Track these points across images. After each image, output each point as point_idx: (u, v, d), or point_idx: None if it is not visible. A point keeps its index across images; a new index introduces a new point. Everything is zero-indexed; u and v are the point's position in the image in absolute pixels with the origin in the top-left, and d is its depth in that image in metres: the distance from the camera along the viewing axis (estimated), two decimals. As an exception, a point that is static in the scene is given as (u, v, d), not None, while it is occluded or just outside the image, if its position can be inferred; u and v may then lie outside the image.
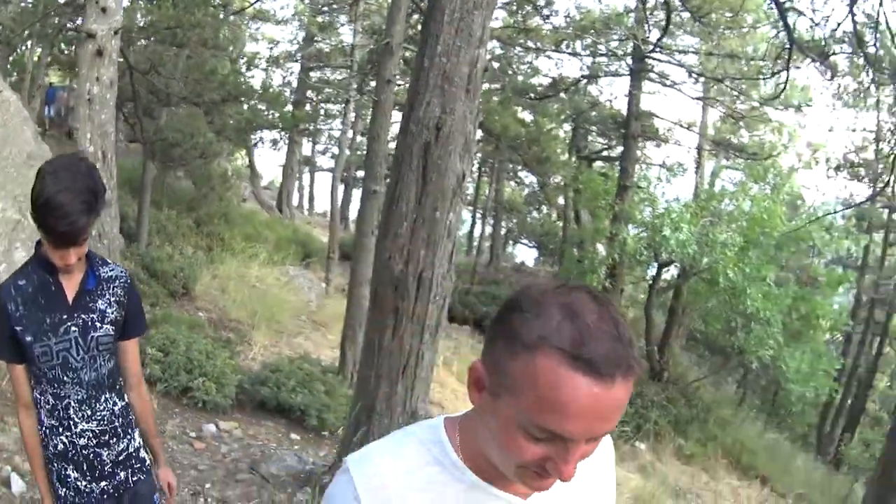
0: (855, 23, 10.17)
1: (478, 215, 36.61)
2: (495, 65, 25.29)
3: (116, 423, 3.21)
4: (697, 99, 23.36)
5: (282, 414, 8.22)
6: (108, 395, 3.16)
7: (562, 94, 25.36)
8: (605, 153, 26.20)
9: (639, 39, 19.54)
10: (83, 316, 3.02)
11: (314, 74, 28.51)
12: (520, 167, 31.05)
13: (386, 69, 10.61)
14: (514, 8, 22.92)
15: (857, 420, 27.62)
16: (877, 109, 27.88)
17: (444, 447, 1.42)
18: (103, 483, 3.20)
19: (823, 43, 12.26)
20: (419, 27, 13.81)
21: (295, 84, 27.46)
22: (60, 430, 3.08)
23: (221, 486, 6.12)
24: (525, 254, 41.83)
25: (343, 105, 24.85)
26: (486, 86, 25.33)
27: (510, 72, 25.69)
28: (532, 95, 24.65)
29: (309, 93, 28.93)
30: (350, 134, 24.71)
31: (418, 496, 1.38)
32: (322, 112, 32.11)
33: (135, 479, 3.31)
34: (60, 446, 3.10)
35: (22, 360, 3.01)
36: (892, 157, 16.89)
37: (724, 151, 26.17)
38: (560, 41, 22.91)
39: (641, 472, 13.31)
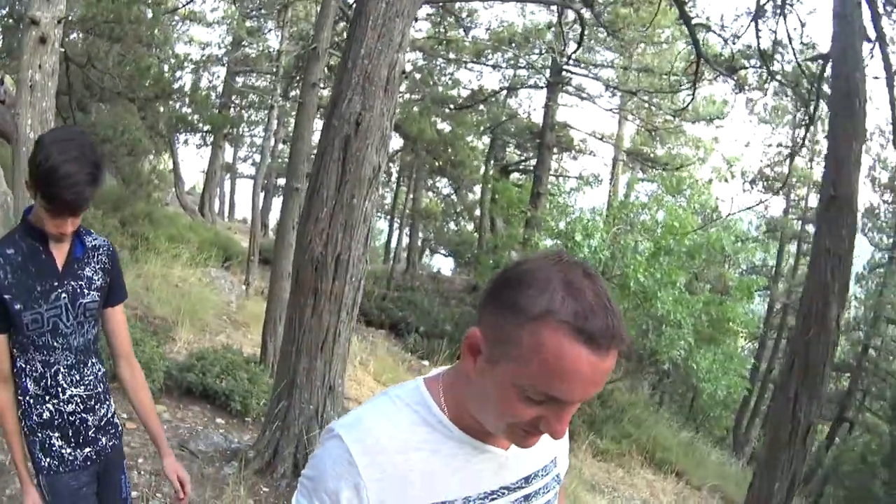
0: (759, 38, 10.87)
1: (395, 224, 36.93)
2: (417, 75, 25.76)
3: (100, 389, 3.26)
4: (610, 111, 24.07)
5: (207, 399, 8.39)
6: (93, 360, 3.23)
7: (481, 106, 25.86)
8: (522, 164, 26.74)
9: (556, 53, 19.98)
10: (72, 283, 3.08)
11: (240, 79, 28.53)
12: (437, 178, 31.52)
13: (312, 73, 10.92)
14: (438, 20, 23.37)
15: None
16: (793, 125, 29.26)
17: (430, 407, 1.51)
18: (87, 449, 3.22)
19: (732, 58, 13.00)
20: (345, 34, 14.20)
21: (221, 88, 27.50)
22: (47, 398, 3.11)
23: (153, 461, 6.32)
24: (442, 263, 42.21)
25: (267, 112, 24.92)
26: (407, 95, 25.87)
27: (431, 82, 26.15)
28: (451, 106, 25.14)
29: (234, 98, 28.94)
30: (272, 141, 24.84)
31: (414, 455, 1.46)
32: (245, 118, 32.16)
33: (111, 444, 3.34)
34: (46, 414, 3.12)
35: (6, 329, 3.02)
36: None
37: (639, 163, 26.92)
38: (481, 53, 23.42)
39: (557, 468, 13.75)
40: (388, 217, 36.73)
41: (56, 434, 3.11)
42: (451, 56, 24.14)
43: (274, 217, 30.06)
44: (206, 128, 22.86)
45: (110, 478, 3.38)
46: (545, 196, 21.26)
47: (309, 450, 6.57)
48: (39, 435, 3.10)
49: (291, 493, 6.27)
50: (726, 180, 29.76)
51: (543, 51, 21.88)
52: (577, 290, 1.30)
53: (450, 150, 24.74)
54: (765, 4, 10.45)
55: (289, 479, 6.58)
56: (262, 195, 22.50)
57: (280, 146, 30.71)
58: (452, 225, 38.29)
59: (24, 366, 3.05)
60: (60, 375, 3.08)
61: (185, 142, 29.89)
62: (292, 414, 6.49)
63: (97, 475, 3.28)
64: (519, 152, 27.94)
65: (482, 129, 27.42)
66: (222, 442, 7.18)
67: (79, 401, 3.14)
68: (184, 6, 20.88)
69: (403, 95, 27.06)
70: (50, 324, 3.01)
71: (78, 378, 3.13)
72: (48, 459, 3.11)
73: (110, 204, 17.12)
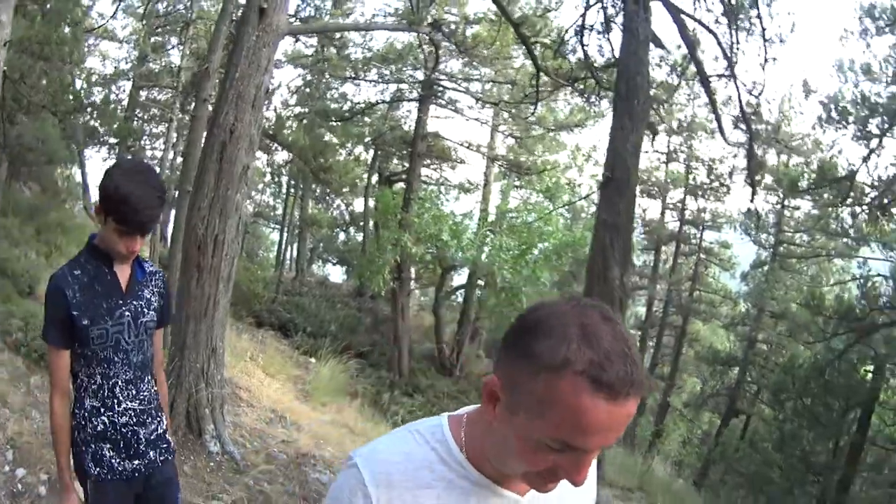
0: (585, 51, 12.22)
1: (286, 234, 37.65)
2: (306, 90, 26.99)
3: (153, 405, 3.49)
4: (477, 120, 25.38)
5: None
6: (148, 378, 3.48)
7: (366, 118, 26.94)
8: (403, 174, 27.87)
9: (426, 68, 21.60)
10: (135, 302, 3.34)
11: (143, 93, 29.05)
12: (327, 189, 32.47)
13: (204, 90, 12.05)
14: (317, 42, 24.66)
15: (664, 414, 29.92)
16: (668, 132, 30.63)
17: (449, 446, 1.50)
18: (136, 462, 3.40)
19: (571, 70, 14.56)
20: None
21: (126, 102, 27.91)
22: (103, 410, 3.31)
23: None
24: (332, 270, 43.01)
25: (167, 125, 25.42)
26: (297, 108, 27.04)
27: (317, 96, 27.37)
28: (335, 119, 26.33)
29: (137, 111, 29.28)
30: (171, 154, 25.63)
31: (425, 492, 1.46)
32: (148, 131, 32.64)
33: (162, 458, 3.54)
34: (100, 427, 3.30)
35: (71, 345, 3.24)
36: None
37: (512, 170, 28.26)
38: (358, 69, 24.64)
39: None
40: (280, 227, 37.57)
41: (108, 445, 3.32)
42: (329, 74, 25.56)
43: (169, 228, 30.61)
44: (113, 140, 23.49)
45: (170, 496, 3.64)
46: (415, 201, 22.45)
47: (198, 403, 7.78)
48: (92, 446, 3.30)
49: (186, 443, 7.59)
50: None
51: (416, 67, 23.29)
52: (594, 336, 1.28)
53: (329, 159, 25.94)
54: (591, 24, 11.91)
55: (183, 430, 7.68)
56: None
57: (178, 159, 31.26)
58: (343, 235, 39.23)
59: (84, 379, 3.29)
60: (118, 389, 3.32)
61: (90, 157, 30.33)
62: (184, 371, 7.74)
63: (143, 488, 3.50)
64: (401, 163, 28.91)
65: (365, 140, 28.48)
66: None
67: (132, 414, 3.37)
68: (100, 27, 21.55)
69: (293, 108, 28.26)
70: (113, 339, 3.26)
71: (134, 393, 3.37)
72: (98, 469, 3.31)
73: (27, 213, 17.61)
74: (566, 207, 25.69)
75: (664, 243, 34.16)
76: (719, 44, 10.55)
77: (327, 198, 36.07)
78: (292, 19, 19.69)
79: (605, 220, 8.44)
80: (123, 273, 3.33)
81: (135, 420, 3.36)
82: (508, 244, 21.40)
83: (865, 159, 13.70)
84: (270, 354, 16.22)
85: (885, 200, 14.76)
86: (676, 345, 31.94)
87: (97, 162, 32.53)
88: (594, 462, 1.55)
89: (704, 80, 11.03)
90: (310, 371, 16.14)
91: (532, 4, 17.62)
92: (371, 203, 29.91)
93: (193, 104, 16.51)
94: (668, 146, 31.88)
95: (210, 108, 12.32)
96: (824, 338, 18.05)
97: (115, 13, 19.70)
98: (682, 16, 9.96)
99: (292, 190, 34.67)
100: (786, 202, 29.18)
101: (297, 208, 34.79)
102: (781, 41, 11.06)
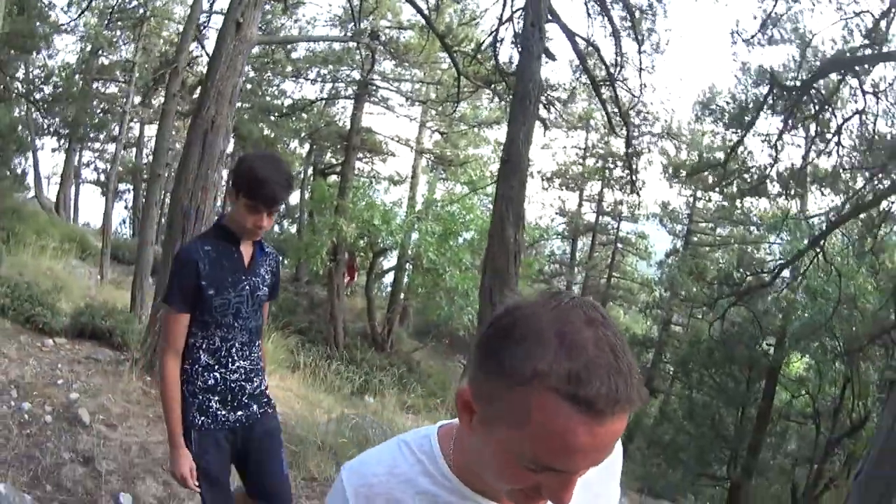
0: (497, 59, 13.93)
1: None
2: (248, 86, 28.53)
3: (260, 365, 3.85)
4: (407, 117, 27.32)
5: (95, 336, 10.08)
6: (258, 342, 3.84)
7: (303, 115, 28.79)
8: (337, 168, 29.04)
9: (362, 69, 23.35)
10: (254, 278, 3.68)
11: (95, 85, 29.72)
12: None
13: (173, 85, 13.44)
14: (266, 47, 26.19)
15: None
16: (586, 129, 33.04)
17: (435, 458, 1.42)
18: (239, 412, 3.72)
19: (488, 74, 16.50)
20: (195, 53, 17.04)
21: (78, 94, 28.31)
22: (216, 367, 3.63)
23: (70, 366, 8.41)
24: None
25: (119, 118, 26.40)
26: (239, 104, 28.55)
27: (260, 92, 28.92)
28: (276, 114, 28.06)
29: (89, 104, 29.98)
30: (122, 146, 26.53)
31: None
32: (98, 122, 33.25)
33: (261, 411, 3.85)
34: (211, 381, 3.62)
35: (192, 310, 3.54)
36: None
37: (438, 163, 30.22)
38: (300, 69, 26.48)
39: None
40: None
41: (216, 398, 3.63)
42: (273, 73, 27.40)
43: (117, 219, 31.84)
44: (66, 131, 24.44)
45: (273, 447, 3.90)
46: (350, 190, 24.16)
47: None
48: (199, 397, 3.60)
49: None
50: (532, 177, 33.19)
51: (352, 68, 25.12)
52: (574, 343, 1.11)
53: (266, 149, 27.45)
54: (502, 37, 13.77)
55: None
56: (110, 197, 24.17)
57: (122, 151, 32.06)
58: (276, 228, 40.48)
59: (201, 341, 3.59)
60: (234, 350, 3.66)
61: (42, 146, 31.21)
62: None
63: (245, 444, 3.79)
64: (335, 157, 30.75)
65: (301, 134, 30.20)
66: (113, 355, 9.44)
67: (242, 372, 3.71)
68: (73, 20, 22.59)
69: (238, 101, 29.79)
70: (234, 308, 3.60)
71: (247, 353, 3.72)
72: (203, 418, 3.62)
73: (-19, 201, 18.22)
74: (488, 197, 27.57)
75: (581, 233, 36.12)
76: (601, 57, 12.90)
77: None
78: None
79: (502, 194, 10.15)
80: (247, 252, 3.68)
81: (244, 377, 3.72)
82: (434, 228, 23.08)
83: (734, 149, 15.78)
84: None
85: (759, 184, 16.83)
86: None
87: (47, 152, 33.28)
88: (619, 456, 1.56)
89: (594, 86, 13.31)
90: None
91: (456, 17, 19.57)
92: (307, 195, 31.57)
93: (164, 98, 17.72)
94: (587, 142, 34.05)
95: (176, 101, 13.91)
96: (710, 302, 19.33)
97: (82, 12, 20.67)
98: (576, 36, 11.98)
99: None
100: (698, 194, 31.26)
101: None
102: (660, 52, 13.43)
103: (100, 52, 26.93)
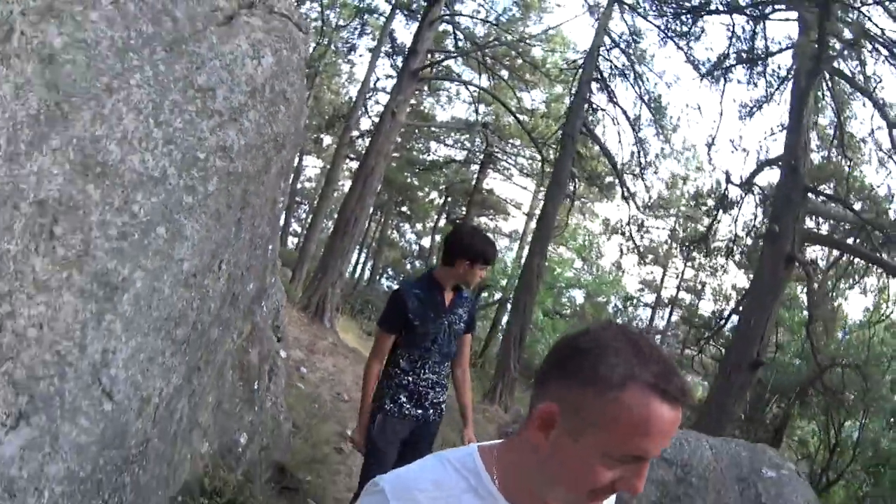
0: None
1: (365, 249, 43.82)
2: (399, 140, 35.26)
3: (445, 381, 4.87)
4: (519, 185, 33.40)
5: None
6: (448, 363, 4.88)
7: (441, 171, 34.79)
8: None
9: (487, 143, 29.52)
10: (451, 316, 4.75)
11: None
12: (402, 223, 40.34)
13: (345, 137, 20.39)
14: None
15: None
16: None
17: (481, 476, 1.48)
18: (419, 411, 4.73)
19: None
20: (362, 113, 24.12)
21: None
22: (412, 373, 4.70)
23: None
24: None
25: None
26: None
27: (408, 146, 35.45)
28: (419, 167, 34.71)
29: None
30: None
31: None
32: None
33: (434, 418, 4.85)
34: (405, 381, 4.69)
35: (399, 332, 4.67)
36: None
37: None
38: (440, 135, 32.98)
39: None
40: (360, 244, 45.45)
41: (405, 394, 4.70)
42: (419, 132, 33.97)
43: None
44: None
45: (429, 445, 4.86)
46: None
47: (325, 299, 15.70)
48: (392, 390, 4.69)
49: (313, 322, 16.32)
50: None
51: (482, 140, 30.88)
52: (648, 355, 1.34)
53: (408, 194, 34.31)
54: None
55: (313, 312, 15.69)
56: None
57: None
58: (409, 265, 46.59)
59: (406, 353, 4.71)
60: (427, 365, 4.73)
61: None
62: (325, 281, 15.90)
63: (412, 435, 4.77)
64: (462, 210, 36.37)
65: (440, 187, 36.42)
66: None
67: (429, 382, 4.75)
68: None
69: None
70: (433, 336, 4.69)
71: (437, 370, 4.78)
72: (391, 405, 4.68)
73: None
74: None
75: (664, 306, 40.73)
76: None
77: (401, 226, 43.99)
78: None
79: (534, 238, 16.42)
80: (449, 296, 4.74)
81: (429, 385, 4.73)
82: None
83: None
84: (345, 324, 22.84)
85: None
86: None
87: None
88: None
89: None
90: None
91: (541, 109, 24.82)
92: (437, 238, 36.88)
93: (335, 142, 23.98)
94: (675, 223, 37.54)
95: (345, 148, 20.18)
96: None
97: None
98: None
99: (377, 215, 41.91)
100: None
101: (378, 231, 42.07)
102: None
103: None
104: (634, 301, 39.97)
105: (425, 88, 27.01)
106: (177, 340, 2.98)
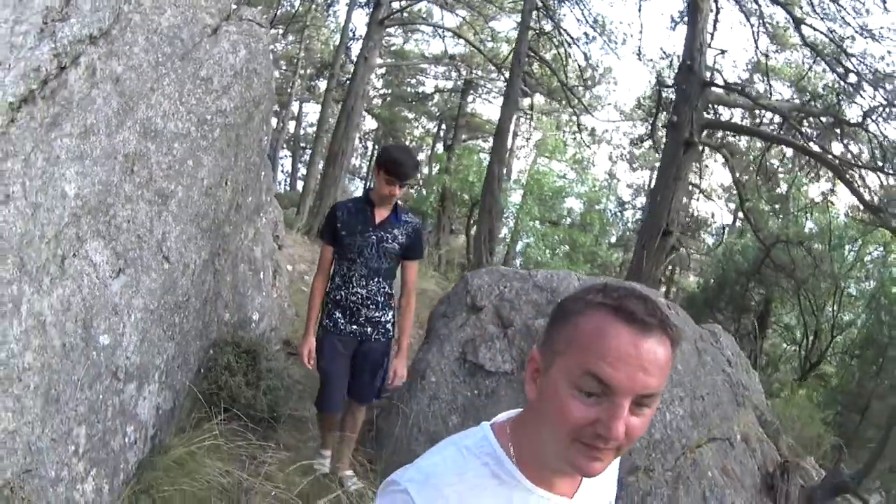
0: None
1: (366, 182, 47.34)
2: (390, 78, 37.23)
3: (378, 298, 5.01)
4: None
5: None
6: (379, 280, 4.99)
7: (432, 99, 37.18)
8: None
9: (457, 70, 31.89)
10: (381, 233, 4.91)
11: None
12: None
13: (331, 83, 22.66)
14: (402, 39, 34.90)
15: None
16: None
17: (500, 458, 1.46)
18: (354, 327, 4.98)
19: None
20: (346, 62, 26.19)
21: None
22: (343, 288, 4.95)
23: None
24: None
25: (286, 98, 35.52)
26: (383, 90, 37.56)
27: (396, 83, 37.66)
28: (410, 100, 36.88)
29: None
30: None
31: None
32: None
33: (375, 336, 5.02)
34: (338, 297, 4.96)
35: (333, 244, 4.97)
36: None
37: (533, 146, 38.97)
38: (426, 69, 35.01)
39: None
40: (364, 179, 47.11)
41: (339, 309, 4.98)
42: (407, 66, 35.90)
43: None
44: None
45: (374, 367, 5.17)
46: (454, 153, 32.18)
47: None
48: (330, 306, 4.99)
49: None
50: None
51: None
52: (617, 288, 1.38)
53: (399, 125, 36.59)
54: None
55: None
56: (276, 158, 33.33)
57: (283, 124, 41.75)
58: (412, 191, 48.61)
59: (337, 266, 5.03)
60: (355, 278, 4.95)
61: None
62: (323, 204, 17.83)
63: (356, 352, 5.08)
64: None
65: (434, 115, 38.66)
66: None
67: (359, 297, 4.97)
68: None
69: (379, 90, 38.88)
70: (358, 248, 4.90)
71: (364, 283, 4.96)
72: (328, 321, 5.00)
73: None
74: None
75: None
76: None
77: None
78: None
79: (493, 158, 18.40)
80: (381, 215, 4.93)
81: (360, 301, 4.96)
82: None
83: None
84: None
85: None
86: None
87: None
88: (615, 462, 1.63)
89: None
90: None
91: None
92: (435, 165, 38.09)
93: (326, 83, 25.81)
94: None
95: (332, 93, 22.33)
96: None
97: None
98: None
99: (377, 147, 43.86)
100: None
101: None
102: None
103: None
104: (625, 205, 41.81)
105: (399, 30, 29.28)
106: (203, 229, 4.99)
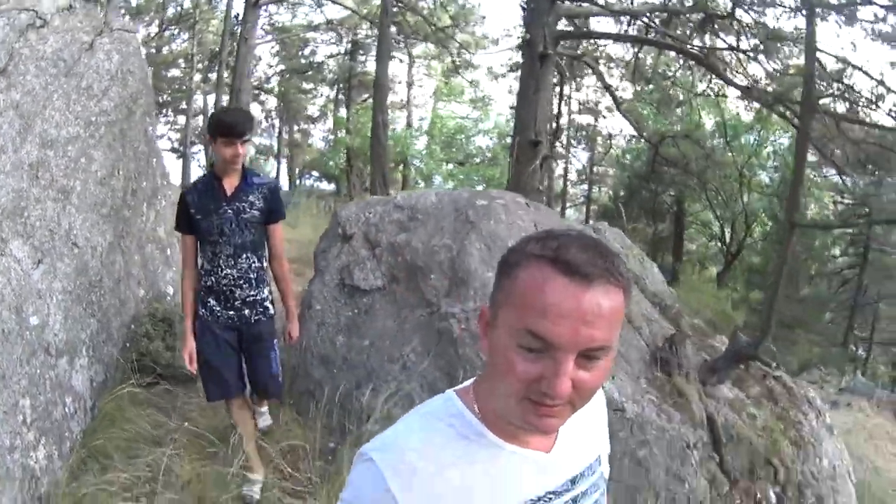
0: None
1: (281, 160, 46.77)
2: (284, 53, 37.18)
3: (251, 276, 4.64)
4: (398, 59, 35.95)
5: None
6: (247, 255, 4.61)
7: (327, 65, 37.38)
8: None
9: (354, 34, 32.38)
10: (236, 204, 4.50)
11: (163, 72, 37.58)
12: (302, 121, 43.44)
13: (222, 70, 22.83)
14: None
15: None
16: None
17: (465, 418, 1.43)
18: (231, 312, 4.62)
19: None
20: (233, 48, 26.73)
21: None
22: (212, 273, 4.57)
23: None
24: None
25: (186, 94, 35.97)
26: (279, 66, 37.78)
27: (289, 57, 37.78)
28: (304, 71, 37.39)
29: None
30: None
31: (450, 472, 1.37)
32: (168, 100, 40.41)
33: (256, 318, 4.68)
34: (209, 283, 4.58)
35: (191, 231, 4.55)
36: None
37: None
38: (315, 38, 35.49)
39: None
40: (276, 158, 46.99)
41: (212, 296, 4.60)
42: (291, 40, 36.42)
43: (196, 173, 40.52)
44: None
45: (260, 349, 4.78)
46: (352, 116, 33.66)
47: None
48: (202, 294, 4.62)
49: None
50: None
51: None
52: (558, 234, 1.30)
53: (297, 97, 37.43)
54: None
55: None
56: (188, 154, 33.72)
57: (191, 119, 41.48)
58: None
59: (202, 252, 4.60)
60: (221, 260, 4.55)
61: None
62: None
63: (240, 338, 4.71)
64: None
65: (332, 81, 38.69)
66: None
67: (230, 278, 4.58)
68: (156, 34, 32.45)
69: (275, 67, 39.35)
70: (218, 228, 4.48)
71: (232, 263, 4.57)
72: (203, 311, 4.62)
73: None
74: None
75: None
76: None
77: (306, 128, 45.82)
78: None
79: (375, 108, 19.13)
80: (231, 185, 4.53)
81: (232, 282, 4.59)
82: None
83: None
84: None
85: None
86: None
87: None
88: (605, 418, 1.68)
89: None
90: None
91: None
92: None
93: (216, 74, 26.41)
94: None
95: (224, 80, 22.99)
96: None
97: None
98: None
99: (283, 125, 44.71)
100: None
101: (288, 138, 44.30)
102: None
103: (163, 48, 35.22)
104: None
105: (283, 7, 30.48)
106: (103, 215, 5.79)
